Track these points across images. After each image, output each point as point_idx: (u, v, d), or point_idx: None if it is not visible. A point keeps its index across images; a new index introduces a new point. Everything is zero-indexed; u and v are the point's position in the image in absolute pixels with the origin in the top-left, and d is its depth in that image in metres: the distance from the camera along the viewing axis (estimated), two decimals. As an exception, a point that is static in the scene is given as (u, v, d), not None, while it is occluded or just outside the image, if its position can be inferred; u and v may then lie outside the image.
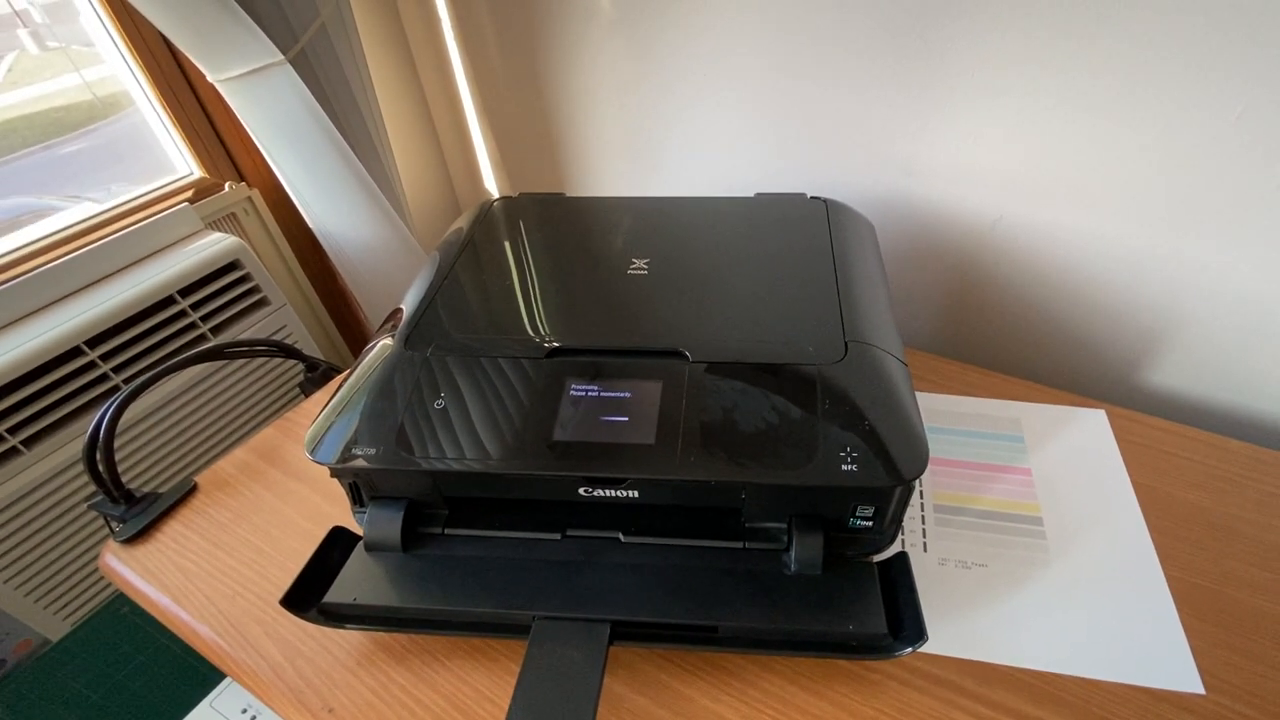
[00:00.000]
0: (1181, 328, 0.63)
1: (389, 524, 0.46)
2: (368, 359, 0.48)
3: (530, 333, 0.48)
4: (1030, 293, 0.70)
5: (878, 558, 0.44)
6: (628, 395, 0.43)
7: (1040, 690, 0.40)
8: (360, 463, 0.42)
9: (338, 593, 0.44)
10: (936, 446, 0.55)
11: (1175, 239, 0.59)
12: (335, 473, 0.46)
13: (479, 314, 0.52)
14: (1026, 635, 0.42)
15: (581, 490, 0.44)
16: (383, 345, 0.49)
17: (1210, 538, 0.47)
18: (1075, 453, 0.53)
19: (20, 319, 0.78)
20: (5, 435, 0.73)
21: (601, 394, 0.43)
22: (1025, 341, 0.73)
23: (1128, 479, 0.51)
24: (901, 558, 0.42)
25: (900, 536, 0.48)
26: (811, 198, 0.62)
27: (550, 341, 0.46)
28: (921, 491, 0.51)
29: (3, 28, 0.90)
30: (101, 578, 0.84)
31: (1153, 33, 0.51)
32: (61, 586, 0.82)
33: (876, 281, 0.53)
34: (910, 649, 0.38)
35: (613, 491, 0.43)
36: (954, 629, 0.43)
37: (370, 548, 0.46)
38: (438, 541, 0.47)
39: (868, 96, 0.68)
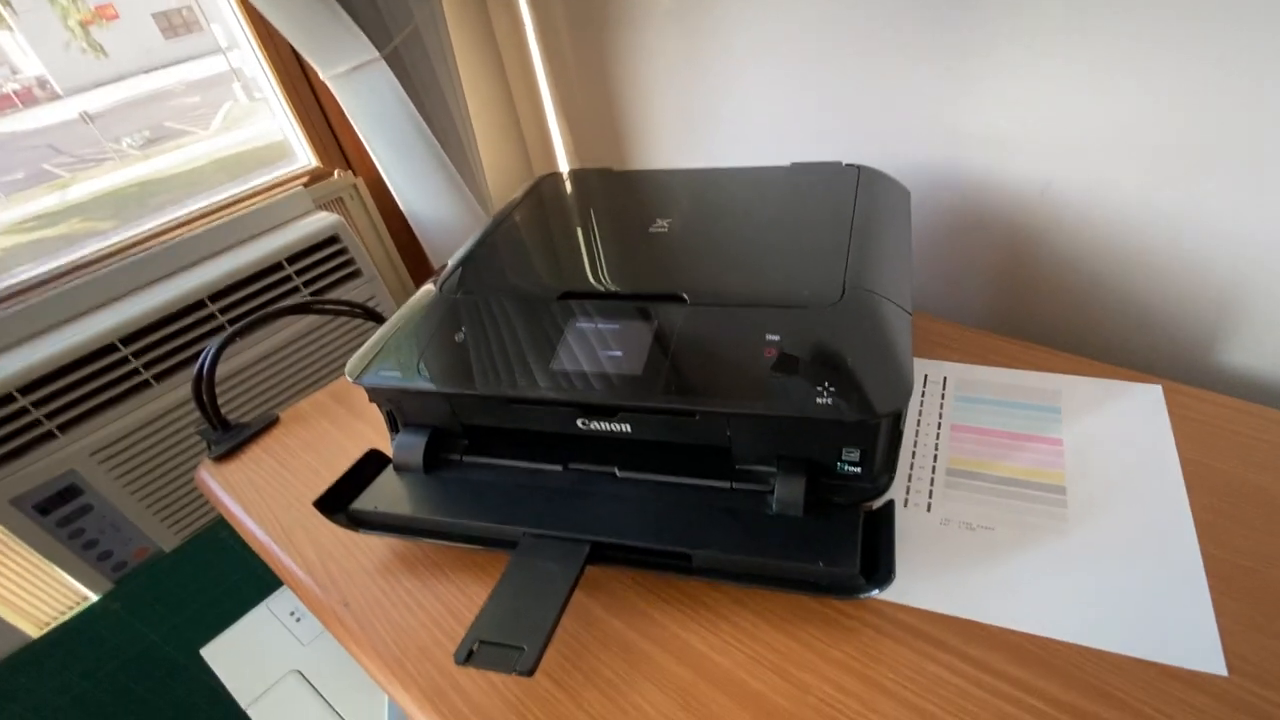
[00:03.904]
0: (1256, 299, 0.55)
1: (414, 448, 0.51)
2: (409, 301, 0.54)
3: (549, 280, 0.52)
4: (1084, 263, 0.64)
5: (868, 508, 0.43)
6: (623, 332, 0.45)
7: (1028, 653, 0.37)
8: (387, 384, 0.47)
9: (363, 501, 0.49)
10: (963, 413, 0.52)
11: (1247, 201, 0.52)
12: (371, 396, 0.52)
13: (508, 265, 0.56)
14: (1025, 598, 0.39)
15: (579, 422, 0.46)
16: (425, 290, 0.54)
17: (1263, 518, 0.42)
18: (1117, 425, 0.48)
19: (160, 279, 0.93)
20: (140, 369, 0.88)
21: (601, 331, 0.46)
22: (1079, 315, 0.68)
23: (1174, 453, 0.46)
24: (887, 505, 0.41)
25: (905, 497, 0.47)
26: (846, 165, 0.61)
27: (563, 287, 0.49)
28: (936, 454, 0.49)
29: (222, 82, 1.08)
30: (205, 502, 0.97)
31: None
32: (176, 503, 0.96)
33: (894, 238, 0.52)
34: (877, 590, 0.37)
35: (607, 424, 0.45)
36: (943, 585, 0.40)
37: (398, 469, 0.51)
38: (456, 467, 0.51)
39: (910, 65, 0.66)
